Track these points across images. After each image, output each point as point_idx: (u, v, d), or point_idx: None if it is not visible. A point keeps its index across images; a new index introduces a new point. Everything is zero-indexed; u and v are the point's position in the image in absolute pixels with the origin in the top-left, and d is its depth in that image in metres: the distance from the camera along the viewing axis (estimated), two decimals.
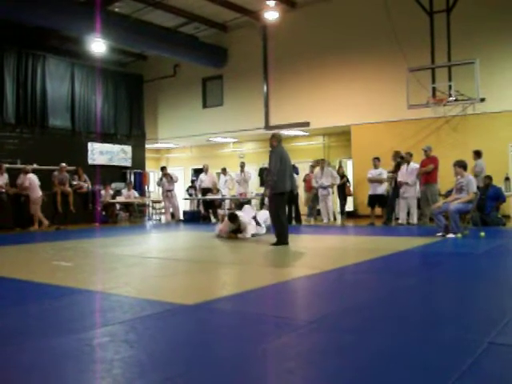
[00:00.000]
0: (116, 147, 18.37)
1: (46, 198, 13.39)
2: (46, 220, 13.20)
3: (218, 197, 15.66)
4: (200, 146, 21.90)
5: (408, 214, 12.22)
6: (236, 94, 18.91)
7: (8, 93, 15.33)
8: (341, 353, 2.67)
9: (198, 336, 3.06)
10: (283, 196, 8.10)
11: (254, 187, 17.33)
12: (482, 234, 8.73)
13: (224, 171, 16.62)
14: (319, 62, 16.55)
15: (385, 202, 12.85)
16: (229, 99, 19.19)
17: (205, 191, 16.07)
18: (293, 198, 12.37)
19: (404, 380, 2.26)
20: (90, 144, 17.46)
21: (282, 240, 7.99)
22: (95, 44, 16.46)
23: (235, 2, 16.27)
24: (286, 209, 10.18)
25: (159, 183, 16.30)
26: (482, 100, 13.25)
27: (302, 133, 18.27)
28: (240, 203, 14.79)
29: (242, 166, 16.07)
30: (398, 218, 12.53)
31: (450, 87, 13.54)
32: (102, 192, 15.98)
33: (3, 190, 13.01)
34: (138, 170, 19.10)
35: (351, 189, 15.29)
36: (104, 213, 15.94)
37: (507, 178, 13.20)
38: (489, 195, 11.38)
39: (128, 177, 18.54)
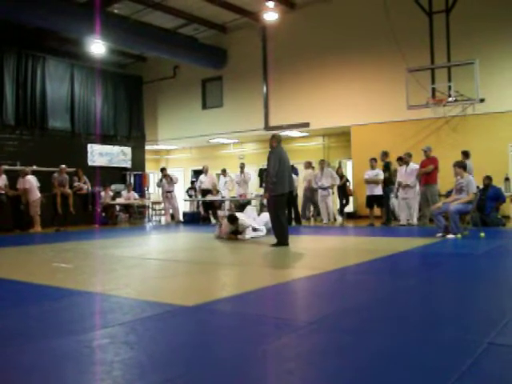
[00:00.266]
0: (116, 149, 18.38)
1: (44, 200, 13.37)
2: (39, 226, 13.14)
3: (218, 198, 15.66)
4: (200, 147, 21.90)
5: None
6: (236, 95, 18.91)
7: (8, 94, 15.34)
8: (341, 353, 2.67)
9: (198, 337, 3.06)
10: (283, 197, 8.10)
11: (254, 188, 17.32)
12: (482, 234, 8.73)
13: (224, 172, 16.62)
14: (319, 63, 16.56)
15: (382, 203, 12.89)
16: (228, 100, 19.20)
17: (204, 192, 16.07)
18: (292, 198, 12.36)
19: (404, 380, 2.26)
20: (89, 145, 17.47)
21: (281, 241, 7.99)
22: (95, 45, 16.49)
23: (234, 3, 16.27)
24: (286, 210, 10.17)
25: (159, 184, 16.30)
26: (482, 100, 13.26)
27: (301, 133, 18.28)
28: (240, 204, 14.80)
29: (242, 167, 16.08)
30: (398, 219, 12.53)
31: (449, 88, 13.55)
32: (102, 193, 15.98)
33: (2, 192, 13.00)
34: (138, 172, 19.11)
35: (351, 188, 15.32)
36: (104, 214, 15.94)
37: (507, 179, 13.20)
38: (489, 196, 11.39)
39: (128, 178, 18.55)
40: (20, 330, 3.30)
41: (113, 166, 18.11)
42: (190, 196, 17.96)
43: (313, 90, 16.78)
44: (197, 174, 19.61)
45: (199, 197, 16.40)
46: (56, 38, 17.65)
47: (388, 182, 12.58)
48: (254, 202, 15.69)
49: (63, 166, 14.19)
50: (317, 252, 7.71)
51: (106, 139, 18.11)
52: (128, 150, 18.79)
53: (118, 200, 16.65)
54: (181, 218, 16.12)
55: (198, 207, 16.88)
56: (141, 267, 6.30)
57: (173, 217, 16.08)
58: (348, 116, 16.07)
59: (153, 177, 21.79)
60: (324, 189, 13.85)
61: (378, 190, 12.61)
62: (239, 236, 9.38)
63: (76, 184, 15.14)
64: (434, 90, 14.00)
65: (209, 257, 7.47)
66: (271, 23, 16.32)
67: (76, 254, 7.84)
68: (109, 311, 3.74)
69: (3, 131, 15.14)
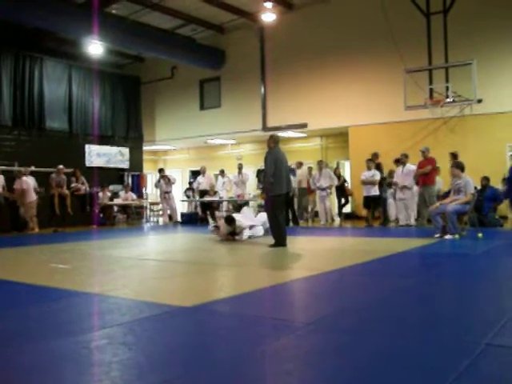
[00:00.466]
0: (113, 149, 18.36)
1: (40, 202, 13.32)
2: (33, 224, 13.14)
3: (216, 199, 15.66)
4: (197, 148, 21.90)
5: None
6: (233, 96, 18.91)
7: (5, 95, 15.31)
8: (339, 354, 2.67)
9: (197, 338, 3.06)
10: (280, 198, 8.10)
11: (252, 189, 17.33)
12: (480, 234, 8.74)
13: (222, 173, 16.63)
14: (316, 64, 16.57)
15: (378, 204, 12.94)
16: (226, 101, 19.20)
17: (202, 193, 16.07)
18: (289, 199, 12.37)
19: (402, 380, 2.27)
20: (87, 146, 17.44)
21: (279, 242, 7.99)
22: (92, 46, 16.50)
23: (232, 4, 16.28)
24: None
25: (157, 185, 16.29)
26: (480, 101, 13.27)
27: (299, 134, 18.29)
28: (238, 205, 14.80)
29: (240, 167, 16.09)
30: (390, 220, 12.55)
31: (447, 88, 13.57)
32: (100, 194, 15.97)
33: (0, 192, 12.96)
34: (136, 172, 19.09)
35: (350, 188, 15.33)
36: (102, 215, 15.93)
37: (504, 179, 13.21)
38: (486, 196, 11.41)
39: (125, 179, 18.53)
40: (19, 330, 3.30)
41: (110, 167, 18.09)
42: (188, 197, 17.96)
43: (311, 91, 16.79)
44: (195, 174, 19.61)
45: (197, 197, 16.39)
46: (54, 39, 17.65)
47: (383, 183, 12.66)
48: (251, 203, 15.70)
49: (61, 166, 14.16)
50: (315, 253, 7.71)
51: (104, 140, 18.08)
52: (126, 150, 18.77)
53: (116, 201, 16.64)
54: (179, 218, 16.11)
55: (195, 208, 16.88)
56: (139, 268, 6.30)
57: (171, 217, 16.08)
58: (346, 117, 16.08)
59: (151, 177, 21.78)
60: (322, 189, 13.85)
61: (375, 191, 12.63)
62: (236, 237, 9.38)
63: (74, 185, 15.12)
64: (431, 90, 14.03)
65: (207, 257, 7.47)
66: (269, 24, 16.33)
67: (74, 255, 7.83)
68: (107, 312, 3.74)
69: (1, 132, 15.11)
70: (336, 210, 15.15)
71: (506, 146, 13.67)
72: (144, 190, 19.46)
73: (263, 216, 10.10)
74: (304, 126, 17.03)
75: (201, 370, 2.46)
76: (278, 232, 8.05)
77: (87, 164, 17.22)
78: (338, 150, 18.29)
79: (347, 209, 15.87)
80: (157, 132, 21.27)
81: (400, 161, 12.28)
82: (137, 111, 19.74)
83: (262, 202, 14.53)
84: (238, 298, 4.16)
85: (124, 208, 17.01)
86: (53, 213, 13.59)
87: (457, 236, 8.58)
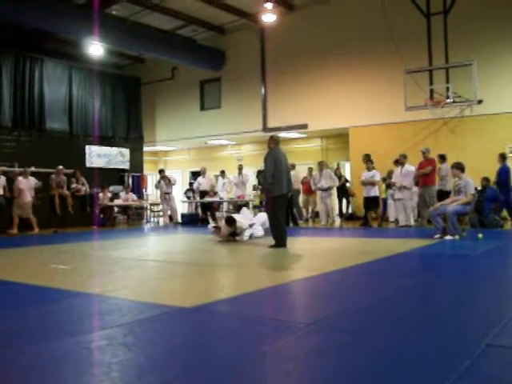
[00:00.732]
0: (114, 150, 18.36)
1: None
2: (16, 228, 13.00)
3: (216, 199, 15.66)
4: (198, 149, 21.91)
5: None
6: (234, 97, 18.91)
7: (5, 96, 15.32)
8: (339, 354, 2.67)
9: (197, 339, 3.06)
10: (280, 198, 8.09)
11: (249, 190, 17.34)
12: (480, 235, 8.74)
13: (222, 174, 16.64)
14: (317, 64, 16.57)
15: (378, 204, 12.96)
16: (227, 102, 19.20)
17: (203, 194, 16.07)
18: (289, 200, 12.34)
19: (402, 381, 2.26)
20: (87, 147, 17.45)
21: (280, 242, 7.99)
22: (93, 47, 16.50)
23: (233, 5, 16.28)
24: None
25: (157, 186, 16.29)
26: (480, 102, 13.28)
27: (300, 135, 18.29)
28: (238, 206, 14.80)
29: (240, 168, 16.10)
30: (397, 221, 12.55)
31: (447, 89, 13.57)
32: (100, 195, 15.97)
33: (1, 193, 12.95)
34: (136, 173, 19.10)
35: (351, 188, 15.34)
36: (102, 216, 15.93)
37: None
38: (486, 197, 11.41)
39: (126, 179, 18.54)
40: (19, 331, 3.30)
41: (111, 168, 18.10)
42: (189, 197, 17.96)
43: (311, 92, 16.79)
44: (195, 175, 19.61)
45: (197, 198, 16.40)
46: (54, 40, 17.66)
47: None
48: (251, 204, 15.71)
49: (60, 167, 14.16)
50: (315, 253, 7.71)
51: (104, 140, 18.09)
52: (126, 151, 18.78)
53: (116, 201, 16.64)
54: (179, 219, 16.11)
55: (196, 209, 16.89)
56: (139, 269, 6.30)
57: (171, 218, 16.08)
58: (346, 117, 16.08)
59: (151, 178, 21.78)
60: (323, 190, 13.82)
61: (375, 192, 12.65)
62: (237, 238, 9.38)
63: (74, 185, 15.12)
64: (432, 91, 14.04)
65: (207, 258, 7.47)
66: (269, 25, 16.33)
67: (74, 256, 7.84)
68: (107, 313, 3.74)
69: (1, 133, 15.11)
70: (337, 211, 15.13)
71: (507, 146, 13.65)
72: (144, 190, 19.47)
73: (263, 216, 10.11)
74: (304, 126, 17.04)
75: (201, 370, 2.45)
76: (279, 233, 8.05)
77: (87, 165, 17.22)
78: (338, 150, 18.29)
79: (348, 209, 15.87)
80: (157, 133, 21.27)
81: (398, 161, 12.29)
82: (137, 112, 19.75)
83: (260, 203, 14.61)
84: (239, 299, 4.16)
85: (124, 209, 17.02)
86: (53, 213, 13.59)
87: (457, 237, 8.57)
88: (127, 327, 3.26)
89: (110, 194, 16.48)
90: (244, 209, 11.61)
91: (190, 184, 18.89)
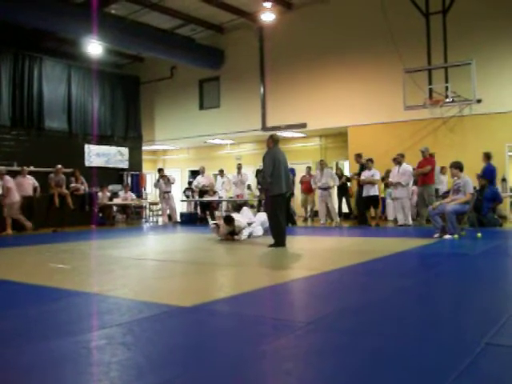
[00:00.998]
0: (113, 149, 18.35)
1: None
2: (9, 228, 12.77)
3: (215, 198, 15.66)
4: (197, 148, 21.90)
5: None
6: (233, 96, 18.91)
7: (4, 95, 15.30)
8: (338, 354, 2.67)
9: (196, 338, 3.06)
10: (279, 197, 8.08)
11: (256, 189, 17.33)
12: (479, 234, 8.75)
13: (221, 173, 16.64)
14: (316, 64, 16.57)
15: (378, 204, 12.97)
16: (225, 101, 19.20)
17: (202, 193, 16.07)
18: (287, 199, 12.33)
19: (401, 381, 2.27)
20: (86, 146, 17.44)
21: (279, 241, 7.99)
22: (92, 46, 16.49)
23: (231, 4, 16.27)
24: None
25: (156, 185, 16.29)
26: (479, 101, 13.29)
27: (299, 134, 18.28)
28: (237, 205, 14.80)
29: (239, 167, 16.10)
30: (395, 220, 12.56)
31: (446, 88, 13.58)
32: (99, 194, 15.95)
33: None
34: (135, 172, 19.09)
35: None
36: (101, 215, 15.92)
37: (504, 179, 13.23)
38: (485, 196, 11.41)
39: (125, 179, 18.53)
40: (18, 330, 3.30)
41: (110, 167, 18.09)
42: (188, 196, 17.95)
43: (310, 91, 16.79)
44: (194, 174, 19.61)
45: (196, 197, 16.39)
46: (53, 39, 17.63)
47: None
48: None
49: (59, 166, 14.14)
50: (314, 253, 7.71)
51: (103, 140, 18.08)
52: (125, 150, 18.77)
53: (115, 200, 16.63)
54: (178, 218, 16.11)
55: (195, 208, 16.89)
56: (138, 268, 6.30)
57: (170, 217, 16.08)
58: (345, 117, 16.07)
59: (150, 177, 21.78)
60: (324, 189, 13.79)
61: (374, 191, 12.64)
62: (235, 237, 9.38)
63: (73, 185, 15.10)
64: (431, 90, 14.04)
65: (206, 257, 7.47)
66: (268, 24, 16.33)
67: (73, 255, 7.83)
68: (106, 312, 3.73)
69: None
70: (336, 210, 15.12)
71: (506, 146, 13.67)
72: (143, 189, 19.47)
73: (262, 216, 10.11)
74: (303, 125, 17.03)
75: (200, 369, 2.46)
76: (278, 232, 8.04)
77: (86, 164, 17.21)
78: (337, 149, 18.29)
79: (345, 209, 15.85)
80: (156, 132, 21.26)
81: (396, 160, 12.30)
82: (136, 111, 19.74)
83: (259, 202, 14.59)
84: (238, 298, 4.16)
85: (123, 208, 17.01)
86: (52, 212, 13.57)
87: (456, 236, 8.57)
88: (126, 326, 3.26)
89: (108, 193, 16.48)
90: (245, 208, 11.61)
91: (190, 183, 18.88)
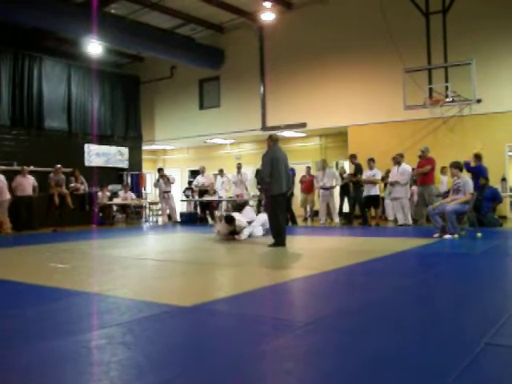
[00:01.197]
0: (113, 149, 18.36)
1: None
2: (8, 224, 12.81)
3: (215, 198, 15.66)
4: (197, 148, 21.90)
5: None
6: (233, 96, 18.91)
7: (4, 94, 15.32)
8: (338, 353, 2.68)
9: (196, 338, 3.06)
10: (279, 197, 8.07)
11: (251, 188, 17.34)
12: (479, 234, 8.75)
13: (221, 172, 16.63)
14: (316, 63, 16.57)
15: (379, 203, 12.97)
16: (226, 100, 19.20)
17: (202, 193, 16.07)
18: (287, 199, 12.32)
19: (401, 381, 2.27)
20: (86, 146, 17.45)
21: (279, 241, 7.98)
22: (91, 45, 16.50)
23: (231, 4, 16.28)
24: None
25: (156, 185, 16.29)
26: (479, 101, 13.30)
27: (298, 134, 18.28)
28: (237, 204, 14.79)
29: (239, 167, 16.09)
30: (395, 220, 12.56)
31: (446, 88, 13.58)
32: (99, 194, 15.95)
33: None
34: (135, 172, 19.09)
35: None
36: (101, 214, 15.91)
37: (504, 179, 13.23)
38: (485, 196, 11.41)
39: (125, 178, 18.54)
40: (18, 330, 3.30)
41: (110, 167, 18.10)
42: (187, 196, 17.95)
43: (310, 91, 16.79)
44: (194, 174, 19.61)
45: (196, 197, 16.39)
46: (53, 39, 17.64)
47: (359, 184, 12.89)
48: (251, 202, 15.68)
49: (58, 165, 14.12)
50: (314, 252, 7.71)
51: (103, 139, 18.09)
52: (125, 150, 18.78)
53: (115, 200, 16.63)
54: (178, 218, 16.10)
55: (195, 207, 16.88)
56: (138, 267, 6.30)
57: (170, 217, 16.08)
58: (345, 116, 16.08)
59: (150, 177, 21.77)
60: (326, 189, 13.78)
61: (375, 191, 12.64)
62: (236, 236, 9.38)
63: (73, 184, 15.11)
64: (431, 90, 14.05)
65: (206, 257, 7.47)
66: (268, 23, 16.35)
67: (73, 255, 7.83)
68: (106, 312, 3.74)
69: None
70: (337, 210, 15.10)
71: (505, 145, 13.68)
72: (143, 189, 19.46)
73: (263, 217, 10.11)
74: (303, 125, 17.04)
75: (200, 369, 2.46)
76: (278, 231, 8.04)
77: (86, 164, 17.22)
78: (337, 149, 18.29)
79: (345, 208, 15.83)
80: (156, 131, 21.26)
81: (395, 160, 12.31)
82: (136, 111, 19.75)
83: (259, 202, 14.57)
84: (238, 298, 4.16)
85: (123, 208, 17.01)
86: (51, 211, 13.57)
87: (456, 236, 8.57)
88: (126, 326, 3.26)
89: (108, 193, 16.48)
90: (247, 208, 11.61)
91: (190, 183, 18.88)
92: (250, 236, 9.60)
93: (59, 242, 10.00)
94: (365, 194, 12.75)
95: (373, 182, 12.61)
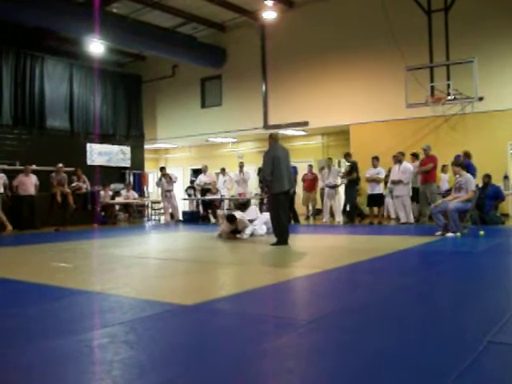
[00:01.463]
0: (115, 148, 18.37)
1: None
2: (8, 224, 12.81)
3: (217, 197, 15.66)
4: (199, 146, 21.89)
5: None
6: (235, 94, 18.90)
7: (6, 94, 15.32)
8: (340, 352, 2.67)
9: (198, 337, 3.06)
10: (281, 195, 8.06)
11: (254, 187, 17.33)
12: (481, 232, 8.74)
13: (223, 171, 16.63)
14: (317, 62, 16.55)
15: (382, 202, 12.96)
16: (227, 99, 19.19)
17: (204, 191, 16.07)
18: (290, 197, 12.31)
19: (403, 379, 2.26)
20: (88, 145, 17.46)
21: (281, 240, 7.98)
22: (93, 45, 16.49)
23: (233, 2, 16.26)
24: None
25: (158, 184, 16.30)
26: (481, 99, 13.26)
27: (300, 132, 18.27)
28: (239, 203, 14.79)
29: (241, 166, 16.09)
30: (398, 218, 12.55)
31: (448, 86, 13.55)
32: (101, 193, 15.96)
33: (1, 191, 12.92)
34: (137, 171, 19.10)
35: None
36: (103, 214, 15.92)
37: (506, 177, 13.21)
38: (488, 194, 11.41)
39: (127, 177, 18.54)
40: (20, 329, 3.30)
41: (112, 166, 18.10)
42: (190, 195, 17.96)
43: (312, 89, 16.77)
44: (196, 173, 19.61)
45: (198, 196, 16.40)
46: (55, 38, 17.64)
47: (355, 182, 12.94)
48: (253, 201, 15.69)
49: (60, 164, 14.13)
50: (316, 251, 7.71)
51: (105, 138, 18.10)
52: (127, 149, 18.79)
53: (118, 199, 16.64)
54: (180, 217, 16.12)
55: (197, 206, 16.89)
56: (140, 266, 6.31)
57: (172, 216, 16.08)
58: (347, 115, 16.06)
59: (152, 176, 21.78)
60: (331, 187, 13.77)
61: (379, 189, 12.64)
62: (238, 235, 9.38)
63: (75, 183, 15.12)
64: (433, 88, 14.01)
65: (208, 256, 7.47)
66: (270, 22, 16.31)
67: (75, 254, 7.84)
68: (108, 310, 3.74)
69: (1, 131, 15.11)
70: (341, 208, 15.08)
71: (508, 143, 13.65)
72: (145, 188, 19.46)
73: (265, 216, 10.10)
74: (305, 124, 17.02)
75: (202, 368, 2.46)
76: (280, 230, 8.03)
77: (88, 163, 17.23)
78: (339, 148, 18.25)
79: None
80: (158, 130, 21.27)
81: (396, 158, 12.30)
82: (138, 110, 19.75)
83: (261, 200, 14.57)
84: (240, 296, 4.16)
85: (125, 207, 17.02)
86: (53, 211, 13.58)
87: (458, 234, 8.57)
88: (129, 325, 3.26)
89: (111, 192, 16.48)
90: (252, 207, 11.61)
91: (192, 181, 18.89)
92: (252, 235, 9.59)
93: (61, 241, 10.01)
94: (369, 192, 12.77)
95: (377, 180, 12.61)
